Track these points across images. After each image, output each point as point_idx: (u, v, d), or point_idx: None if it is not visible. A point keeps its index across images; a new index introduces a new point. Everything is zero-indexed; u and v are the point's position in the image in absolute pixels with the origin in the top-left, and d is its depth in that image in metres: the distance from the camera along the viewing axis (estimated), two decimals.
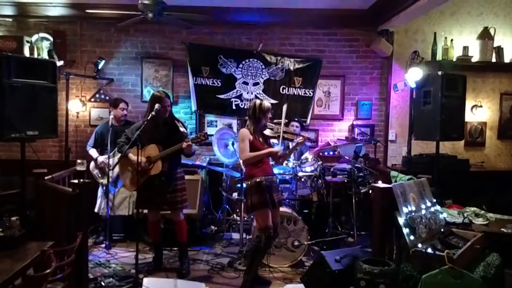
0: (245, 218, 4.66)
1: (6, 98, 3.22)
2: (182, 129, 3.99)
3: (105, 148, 4.84)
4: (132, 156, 3.93)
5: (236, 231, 5.14)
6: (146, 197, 3.96)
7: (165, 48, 5.75)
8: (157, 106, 3.79)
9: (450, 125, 4.19)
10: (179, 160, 4.11)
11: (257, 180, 3.65)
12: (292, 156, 4.89)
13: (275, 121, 4.77)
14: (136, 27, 5.59)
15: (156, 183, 3.95)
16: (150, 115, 3.79)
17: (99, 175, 4.93)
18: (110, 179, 4.75)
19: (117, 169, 4.66)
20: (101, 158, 4.90)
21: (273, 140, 3.96)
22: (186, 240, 4.17)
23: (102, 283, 3.67)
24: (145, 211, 4.60)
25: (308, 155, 4.83)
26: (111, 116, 4.92)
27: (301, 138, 3.82)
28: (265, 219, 3.65)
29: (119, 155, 4.56)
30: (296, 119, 5.26)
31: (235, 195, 4.88)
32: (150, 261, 4.27)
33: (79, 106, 5.61)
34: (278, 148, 3.74)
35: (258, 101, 3.81)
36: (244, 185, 3.85)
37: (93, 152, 4.97)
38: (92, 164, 4.95)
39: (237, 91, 5.72)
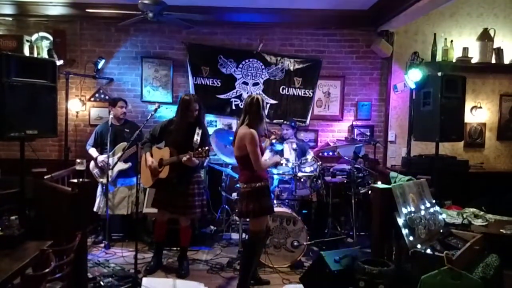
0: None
1: (6, 97, 3.21)
2: (195, 138, 3.91)
3: (104, 147, 4.85)
4: (147, 155, 4.00)
5: (236, 231, 5.13)
6: (159, 197, 4.05)
7: (165, 48, 5.75)
8: (156, 105, 3.83)
9: (449, 126, 4.19)
10: (197, 164, 3.99)
11: (262, 184, 3.50)
12: (293, 156, 4.93)
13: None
14: (136, 27, 5.59)
15: (168, 185, 3.96)
16: (150, 114, 3.89)
17: (99, 174, 4.93)
18: (110, 178, 4.75)
19: (116, 168, 4.68)
20: (101, 157, 4.89)
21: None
22: (188, 245, 4.21)
23: (101, 283, 3.66)
24: (144, 210, 4.64)
25: (307, 156, 4.83)
26: (111, 116, 4.92)
27: (272, 137, 3.90)
28: (263, 224, 3.61)
29: (119, 154, 4.59)
30: (286, 122, 5.27)
31: (234, 195, 4.88)
32: (149, 260, 4.26)
33: (78, 106, 5.61)
34: (278, 156, 3.76)
35: (259, 96, 3.53)
36: (243, 187, 3.57)
37: (92, 151, 4.97)
38: (92, 163, 4.95)
39: (237, 91, 5.72)
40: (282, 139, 4.41)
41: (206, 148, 3.71)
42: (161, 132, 4.08)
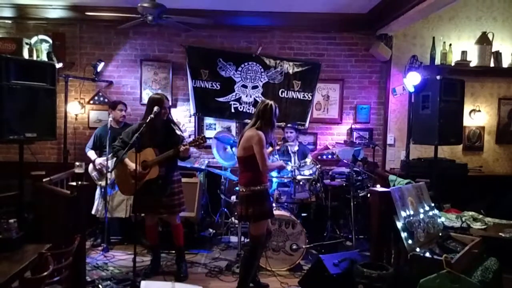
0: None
1: (5, 100, 3.22)
2: (178, 132, 3.97)
3: (103, 150, 4.85)
4: (128, 161, 3.94)
5: (234, 234, 5.13)
6: (143, 201, 3.96)
7: (164, 51, 5.75)
8: (156, 108, 3.77)
9: (448, 129, 4.20)
10: (176, 163, 4.08)
11: (262, 187, 3.49)
12: (293, 158, 4.93)
13: None
14: (135, 30, 5.60)
15: (152, 187, 3.93)
16: (149, 117, 3.74)
17: (97, 177, 4.93)
18: (108, 181, 4.74)
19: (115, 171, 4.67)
20: (99, 160, 4.89)
21: None
22: (183, 244, 4.16)
23: (100, 286, 3.66)
24: (143, 214, 4.61)
25: (307, 159, 4.83)
26: (110, 119, 4.92)
27: (278, 147, 4.09)
28: (263, 228, 3.59)
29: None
30: (289, 125, 5.29)
31: (233, 198, 4.87)
32: (148, 264, 4.26)
33: (77, 109, 5.60)
34: (282, 162, 3.91)
35: (273, 103, 3.52)
36: (242, 190, 3.56)
37: (91, 154, 4.97)
38: (90, 165, 4.95)
39: (236, 94, 5.72)
40: (284, 141, 4.49)
41: (202, 135, 3.77)
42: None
